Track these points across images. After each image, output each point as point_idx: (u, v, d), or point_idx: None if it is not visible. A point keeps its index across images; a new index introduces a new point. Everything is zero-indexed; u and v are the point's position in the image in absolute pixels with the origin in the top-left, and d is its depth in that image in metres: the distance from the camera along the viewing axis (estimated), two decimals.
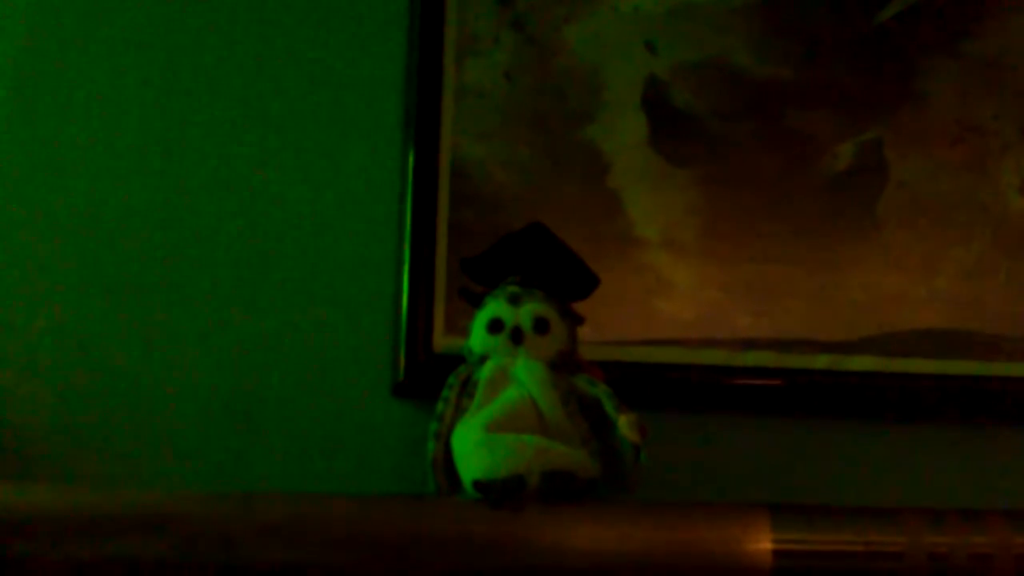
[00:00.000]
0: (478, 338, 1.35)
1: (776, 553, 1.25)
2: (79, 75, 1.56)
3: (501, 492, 1.25)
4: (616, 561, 1.25)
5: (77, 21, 1.57)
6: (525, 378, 1.32)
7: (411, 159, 1.57)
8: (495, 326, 1.34)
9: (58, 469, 1.49)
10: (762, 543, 1.25)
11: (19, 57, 1.56)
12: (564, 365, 1.34)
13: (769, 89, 1.62)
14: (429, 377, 1.45)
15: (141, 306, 1.53)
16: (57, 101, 1.56)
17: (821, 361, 1.57)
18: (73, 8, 1.58)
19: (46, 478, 1.47)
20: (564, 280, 1.37)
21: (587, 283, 1.38)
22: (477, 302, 1.37)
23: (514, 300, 1.35)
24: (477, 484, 1.27)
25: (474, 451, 1.29)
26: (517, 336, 1.33)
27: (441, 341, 1.53)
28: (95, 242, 1.54)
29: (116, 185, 1.55)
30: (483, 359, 1.34)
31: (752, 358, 1.57)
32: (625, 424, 1.29)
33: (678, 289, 1.58)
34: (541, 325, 1.34)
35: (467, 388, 1.33)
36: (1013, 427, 1.59)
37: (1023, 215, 1.63)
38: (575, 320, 1.37)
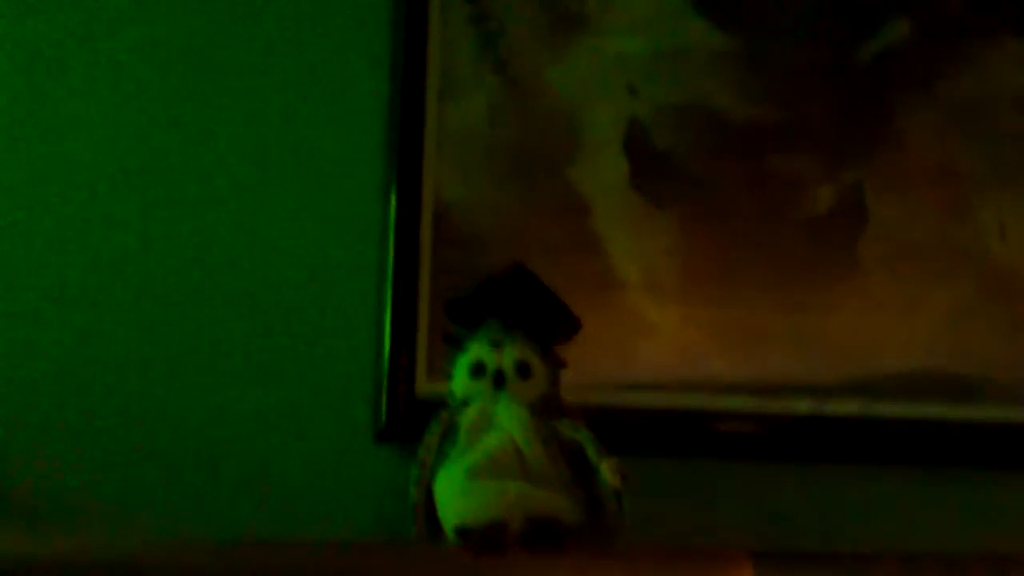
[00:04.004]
0: (460, 382, 1.35)
1: None
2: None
3: (483, 539, 1.24)
4: None
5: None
6: (507, 422, 1.31)
7: (393, 200, 1.57)
8: (477, 370, 1.34)
9: (28, 511, 1.48)
10: None
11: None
12: (546, 409, 1.33)
13: (750, 131, 1.63)
14: (411, 422, 1.45)
15: (117, 349, 1.52)
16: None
17: (802, 405, 1.57)
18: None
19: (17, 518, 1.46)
20: (546, 323, 1.37)
21: (569, 326, 1.37)
22: (459, 346, 1.37)
23: (496, 344, 1.34)
24: (458, 531, 1.26)
25: (456, 497, 1.28)
26: (499, 380, 1.33)
27: (424, 386, 1.53)
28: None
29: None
30: (465, 403, 1.34)
31: (733, 402, 1.57)
32: (607, 469, 1.28)
33: (659, 331, 1.58)
34: (523, 369, 1.33)
35: (449, 433, 1.33)
36: (995, 471, 1.59)
37: (1003, 260, 1.63)
38: (557, 364, 1.37)
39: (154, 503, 1.50)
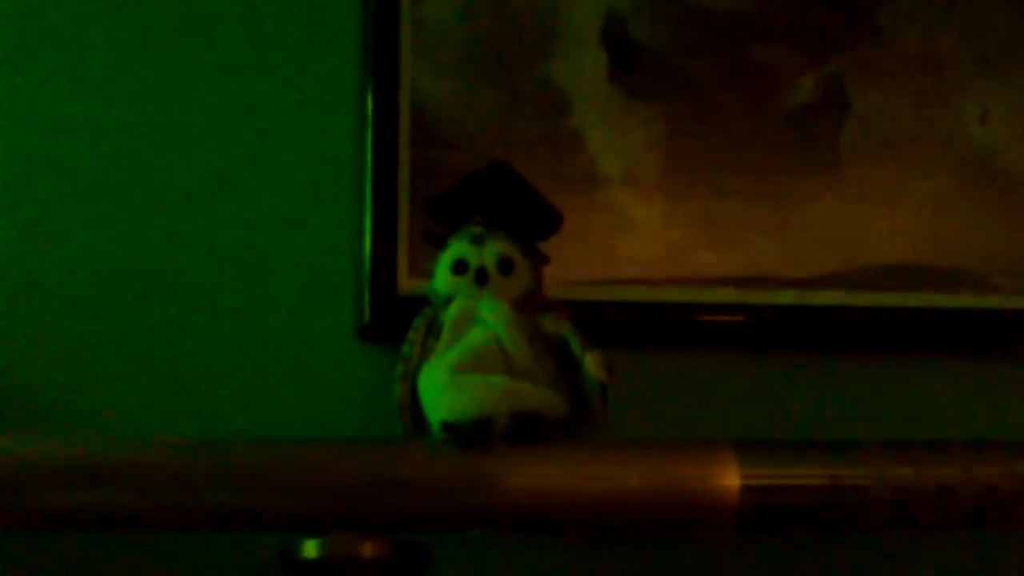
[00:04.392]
0: (442, 279, 1.34)
1: (743, 488, 1.26)
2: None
3: (469, 433, 1.25)
4: (584, 500, 1.25)
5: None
6: (490, 318, 1.31)
7: (370, 99, 1.55)
8: (459, 267, 1.33)
9: (23, 415, 1.48)
10: (728, 479, 1.26)
11: None
12: (529, 305, 1.33)
13: (729, 22, 1.61)
14: (394, 320, 1.45)
15: (108, 266, 1.52)
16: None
17: (785, 296, 1.57)
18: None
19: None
20: (527, 219, 1.36)
21: (551, 221, 1.37)
22: (440, 243, 1.36)
23: (477, 240, 1.34)
24: (444, 425, 1.26)
25: (441, 393, 1.28)
26: (481, 277, 1.32)
27: (406, 284, 1.52)
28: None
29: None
30: (448, 300, 1.33)
31: (716, 295, 1.57)
32: (591, 362, 1.29)
33: (640, 227, 1.57)
34: (505, 265, 1.33)
35: (432, 330, 1.33)
36: (977, 359, 1.60)
37: (984, 146, 1.63)
38: (540, 259, 1.36)
39: (136, 403, 1.50)
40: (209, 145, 1.55)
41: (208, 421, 1.50)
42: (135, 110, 1.54)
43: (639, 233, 1.57)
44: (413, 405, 1.31)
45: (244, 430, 1.49)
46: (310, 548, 1.24)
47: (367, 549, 1.24)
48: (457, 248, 1.34)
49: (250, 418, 1.51)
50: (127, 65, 1.55)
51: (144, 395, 1.50)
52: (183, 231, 1.53)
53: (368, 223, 1.53)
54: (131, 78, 1.55)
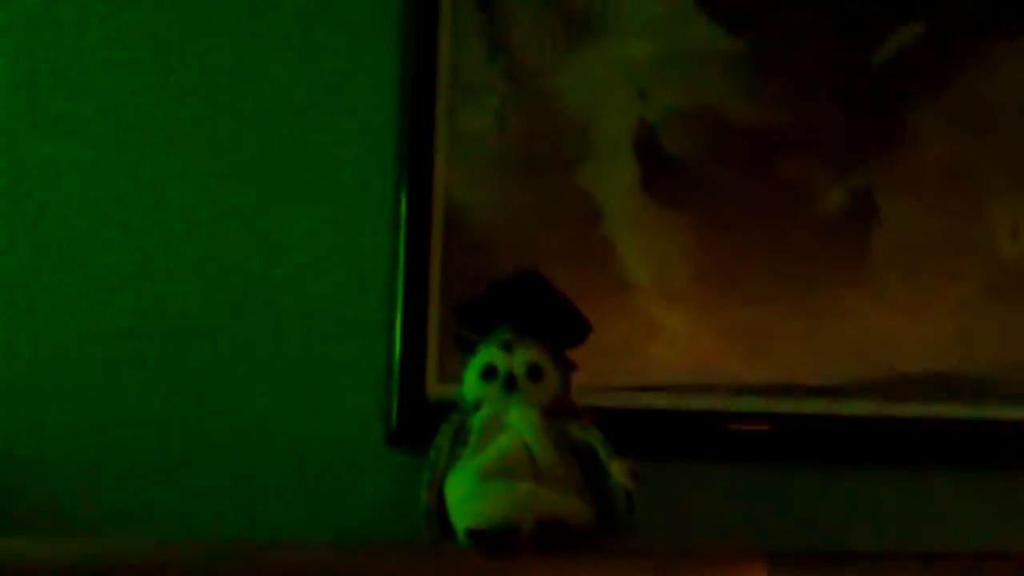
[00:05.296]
0: (471, 385, 1.35)
1: None
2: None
3: (494, 541, 1.24)
4: None
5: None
6: (518, 425, 1.31)
7: (404, 204, 1.57)
8: (488, 373, 1.34)
9: (47, 514, 1.49)
10: None
11: None
12: (557, 411, 1.34)
13: (759, 134, 1.63)
14: (423, 425, 1.45)
15: (134, 352, 1.53)
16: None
17: (814, 405, 1.57)
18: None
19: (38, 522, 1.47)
20: (557, 326, 1.37)
21: (580, 329, 1.38)
22: (470, 349, 1.37)
23: (507, 347, 1.34)
24: (470, 532, 1.26)
25: (467, 499, 1.28)
26: (511, 383, 1.33)
27: (435, 389, 1.53)
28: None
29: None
30: (476, 406, 1.34)
31: (745, 403, 1.56)
32: (618, 470, 1.29)
33: (670, 334, 1.58)
34: (535, 372, 1.33)
35: (460, 436, 1.33)
36: (1008, 471, 1.58)
37: (1014, 259, 1.63)
38: (568, 366, 1.37)
39: (164, 507, 1.51)
40: (243, 245, 1.56)
41: (235, 523, 1.50)
42: (159, 218, 1.56)
43: (667, 340, 1.58)
44: (440, 511, 1.31)
45: (270, 533, 1.49)
46: None
47: None
48: (487, 354, 1.35)
49: (278, 520, 1.51)
50: (168, 167, 1.57)
51: (166, 498, 1.51)
52: (214, 335, 1.54)
53: (398, 327, 1.54)
54: (168, 171, 1.57)
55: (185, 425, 1.52)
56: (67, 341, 1.53)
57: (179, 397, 1.53)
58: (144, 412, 1.52)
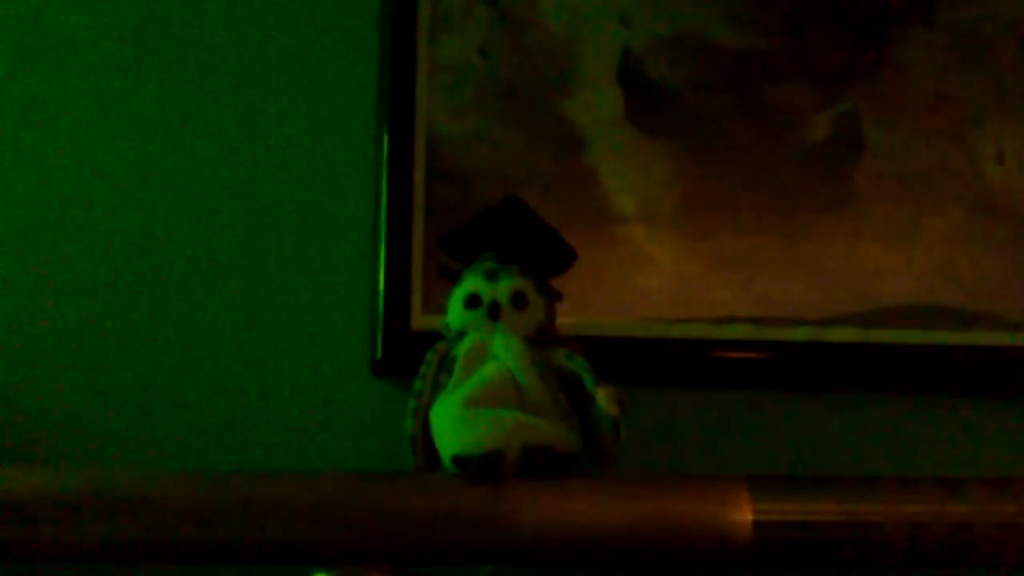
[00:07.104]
0: (455, 314, 1.35)
1: (756, 524, 1.25)
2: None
3: (480, 468, 1.25)
4: (596, 535, 1.24)
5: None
6: (503, 353, 1.31)
7: (386, 136, 1.56)
8: (472, 302, 1.33)
9: (41, 450, 1.50)
10: (742, 514, 1.25)
11: None
12: (542, 340, 1.33)
13: (745, 61, 1.61)
14: (407, 354, 1.45)
15: (120, 294, 1.53)
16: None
17: (801, 333, 1.57)
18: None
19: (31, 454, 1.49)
20: (541, 255, 1.36)
21: (565, 258, 1.37)
22: (454, 278, 1.37)
23: (491, 275, 1.34)
24: (456, 460, 1.26)
25: (452, 427, 1.28)
26: (495, 311, 1.32)
27: (419, 319, 1.53)
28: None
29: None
30: (461, 335, 1.34)
31: (731, 331, 1.56)
32: (604, 397, 1.29)
33: (656, 263, 1.58)
34: (519, 300, 1.33)
35: (445, 364, 1.33)
36: (990, 396, 1.58)
37: (1000, 184, 1.62)
38: (553, 295, 1.36)
39: (150, 436, 1.51)
40: (225, 183, 1.56)
41: (220, 454, 1.51)
42: (146, 152, 1.56)
43: (653, 269, 1.57)
44: (425, 440, 1.31)
45: (257, 463, 1.50)
46: None
47: None
48: (470, 283, 1.34)
49: (263, 452, 1.51)
50: (134, 120, 1.56)
51: (156, 429, 1.52)
52: (199, 268, 1.54)
53: (382, 259, 1.54)
54: (144, 126, 1.56)
55: (168, 357, 1.53)
56: (61, 283, 1.53)
57: (164, 335, 1.53)
58: (125, 343, 1.53)
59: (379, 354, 1.52)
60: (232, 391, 1.53)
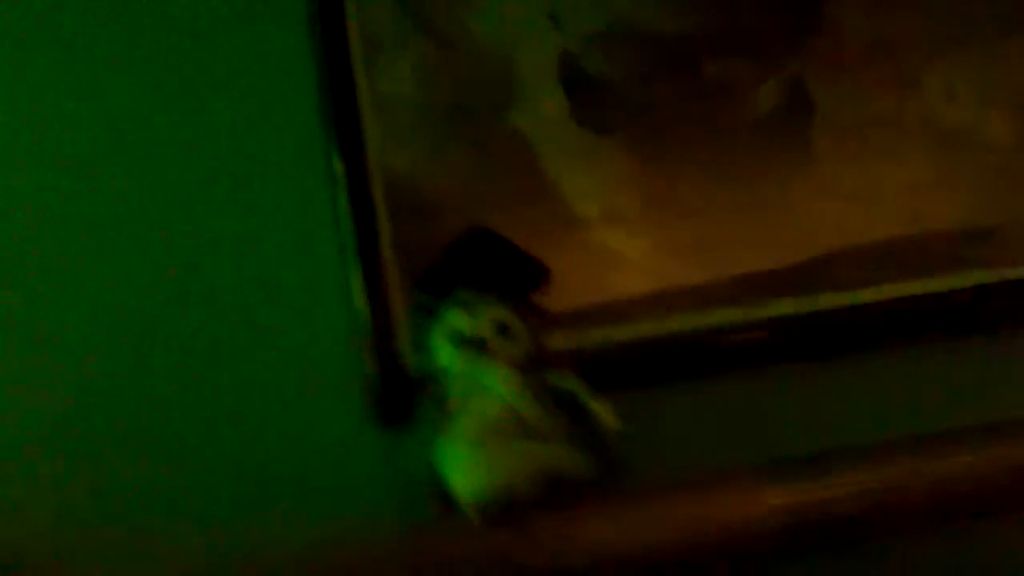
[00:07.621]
0: (441, 352, 1.34)
1: (776, 510, 1.26)
2: None
3: (497, 509, 1.24)
4: (625, 552, 1.25)
5: None
6: (497, 385, 1.30)
7: (344, 184, 1.54)
8: (455, 337, 1.32)
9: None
10: (764, 503, 1.26)
11: None
12: (533, 364, 1.33)
13: (682, 44, 1.60)
14: (402, 400, 1.44)
15: (96, 340, 1.52)
16: None
17: (787, 305, 1.56)
18: None
19: None
20: (514, 278, 1.35)
21: (536, 275, 1.36)
22: (432, 314, 1.35)
23: (469, 309, 1.33)
24: (472, 504, 1.26)
25: (462, 469, 1.28)
26: (480, 344, 1.31)
27: (409, 361, 1.51)
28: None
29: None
30: (448, 372, 1.32)
31: (719, 316, 1.56)
32: (603, 413, 1.28)
33: (627, 260, 1.57)
34: (503, 330, 1.32)
35: (441, 406, 1.32)
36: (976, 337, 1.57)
37: (955, 123, 1.62)
38: (537, 315, 1.35)
39: (145, 486, 1.49)
40: (184, 241, 1.54)
41: (222, 511, 1.49)
42: (109, 196, 1.54)
43: (626, 267, 1.56)
44: (437, 484, 1.30)
45: (259, 519, 1.48)
46: None
47: None
48: (451, 319, 1.33)
49: (265, 509, 1.49)
50: (109, 147, 1.54)
51: (154, 484, 1.49)
52: (180, 332, 1.53)
53: (361, 304, 1.52)
54: (111, 160, 1.54)
55: (163, 420, 1.51)
56: (32, 330, 1.52)
57: (153, 395, 1.51)
58: (116, 403, 1.51)
59: (373, 402, 1.51)
60: (229, 452, 1.51)
